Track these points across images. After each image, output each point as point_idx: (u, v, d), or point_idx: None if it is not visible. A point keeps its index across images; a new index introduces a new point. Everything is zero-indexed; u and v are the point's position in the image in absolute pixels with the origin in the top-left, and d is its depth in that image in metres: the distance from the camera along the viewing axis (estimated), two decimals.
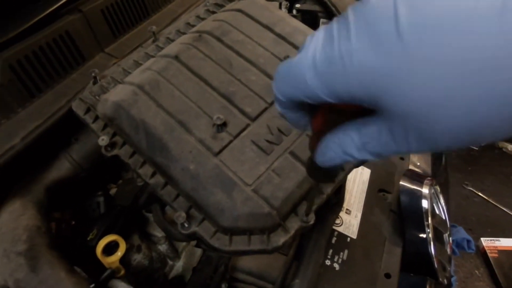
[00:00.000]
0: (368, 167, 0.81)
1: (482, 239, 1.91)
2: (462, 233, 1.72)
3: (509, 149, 2.41)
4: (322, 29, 0.25)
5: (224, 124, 0.59)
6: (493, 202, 2.15)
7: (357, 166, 0.64)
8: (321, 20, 1.30)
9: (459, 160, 2.39)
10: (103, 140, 0.60)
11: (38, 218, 0.63)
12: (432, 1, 0.19)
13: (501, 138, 0.20)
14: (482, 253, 1.90)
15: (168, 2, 1.00)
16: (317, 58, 0.24)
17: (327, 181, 0.50)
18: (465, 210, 2.13)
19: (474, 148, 2.43)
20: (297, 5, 1.33)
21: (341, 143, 0.27)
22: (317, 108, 0.31)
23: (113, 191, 0.84)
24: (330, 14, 1.26)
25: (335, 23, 0.24)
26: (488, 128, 0.20)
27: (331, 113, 0.29)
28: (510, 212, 2.07)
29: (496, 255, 1.86)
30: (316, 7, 1.31)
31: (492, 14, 0.18)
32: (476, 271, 1.87)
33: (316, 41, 0.24)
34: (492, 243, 1.90)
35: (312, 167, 0.38)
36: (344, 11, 0.23)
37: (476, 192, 2.21)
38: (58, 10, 0.78)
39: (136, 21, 0.92)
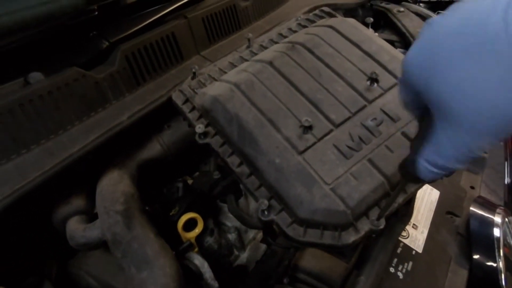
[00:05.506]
0: (437, 189, 0.82)
1: None
2: None
3: None
4: None
5: (310, 127, 0.63)
6: None
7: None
8: (398, 49, 1.34)
9: None
10: (200, 127, 0.68)
11: (132, 187, 0.71)
12: None
13: None
14: None
15: (257, 18, 1.09)
16: None
17: (416, 181, 0.53)
18: None
19: None
20: (375, 34, 1.37)
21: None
22: None
23: (189, 181, 0.91)
24: (407, 44, 1.29)
25: None
26: None
27: None
28: None
29: None
30: (393, 37, 1.35)
31: None
32: None
33: None
34: None
35: (408, 167, 0.42)
36: None
37: None
38: (168, 15, 0.89)
39: (230, 31, 1.01)
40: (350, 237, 0.58)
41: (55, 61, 0.75)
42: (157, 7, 0.90)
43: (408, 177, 0.45)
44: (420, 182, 0.59)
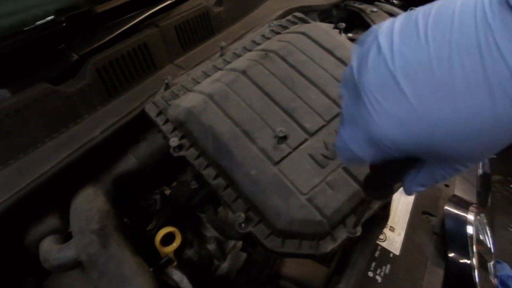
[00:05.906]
0: None
1: None
2: (506, 270, 1.65)
3: None
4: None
5: (284, 137, 0.64)
6: None
7: None
8: None
9: (505, 202, 2.29)
10: (174, 141, 0.67)
11: (108, 204, 0.70)
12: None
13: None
14: None
15: (231, 23, 1.09)
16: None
17: (381, 198, 0.54)
18: (511, 255, 2.04)
19: None
20: (349, 35, 1.38)
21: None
22: None
23: (167, 192, 0.90)
24: None
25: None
26: None
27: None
28: None
29: None
30: None
31: None
32: None
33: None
34: None
35: (370, 186, 0.43)
36: None
37: None
38: (139, 24, 0.87)
39: (203, 38, 1.00)
40: (328, 246, 0.58)
41: (22, 77, 0.73)
42: (127, 16, 0.89)
43: (372, 195, 0.45)
44: (383, 199, 0.60)
